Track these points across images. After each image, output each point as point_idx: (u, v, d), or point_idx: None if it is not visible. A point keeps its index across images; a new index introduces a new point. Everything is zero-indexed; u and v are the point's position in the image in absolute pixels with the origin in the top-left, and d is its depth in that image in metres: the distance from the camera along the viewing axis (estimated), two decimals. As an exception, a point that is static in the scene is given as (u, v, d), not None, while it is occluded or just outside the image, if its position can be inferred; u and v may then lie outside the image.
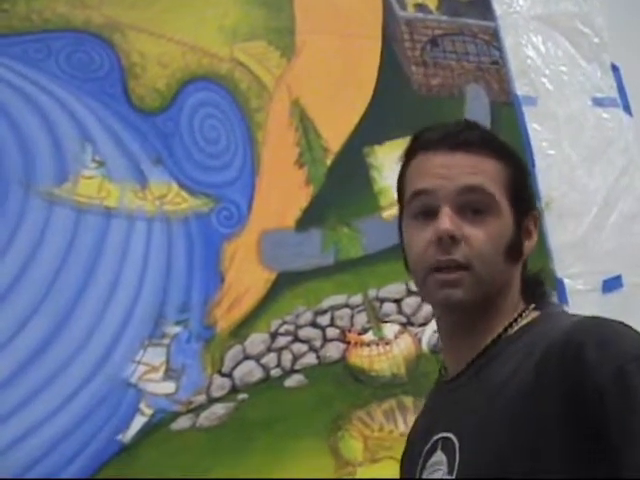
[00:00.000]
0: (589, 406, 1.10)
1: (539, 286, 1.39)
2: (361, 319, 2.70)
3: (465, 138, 1.33)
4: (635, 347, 1.12)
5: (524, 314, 1.32)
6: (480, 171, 1.32)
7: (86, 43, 2.56)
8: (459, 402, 1.31)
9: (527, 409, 1.16)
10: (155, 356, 2.40)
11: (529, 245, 1.34)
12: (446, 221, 1.27)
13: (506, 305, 1.33)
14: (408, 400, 2.65)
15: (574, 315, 1.28)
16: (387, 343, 2.71)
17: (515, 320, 1.31)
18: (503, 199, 1.31)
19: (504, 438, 1.18)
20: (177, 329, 2.44)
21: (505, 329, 1.30)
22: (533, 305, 1.34)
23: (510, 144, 1.39)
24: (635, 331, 1.17)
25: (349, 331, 2.68)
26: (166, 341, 2.42)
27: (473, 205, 1.29)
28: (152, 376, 2.38)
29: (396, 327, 2.74)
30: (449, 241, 1.26)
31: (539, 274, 1.40)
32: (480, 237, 1.28)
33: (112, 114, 2.54)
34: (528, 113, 3.28)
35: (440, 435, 1.28)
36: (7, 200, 2.32)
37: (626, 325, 1.18)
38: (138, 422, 2.34)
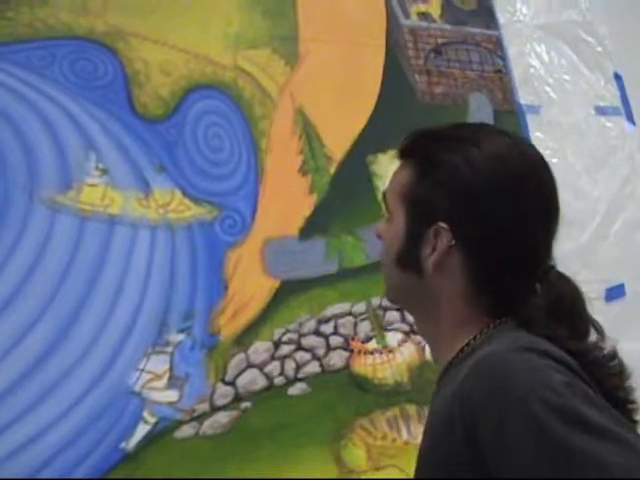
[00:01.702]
0: (479, 456, 1.10)
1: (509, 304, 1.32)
2: (364, 327, 2.70)
3: (398, 148, 1.43)
4: (517, 390, 1.08)
5: (485, 331, 1.30)
6: (392, 179, 1.41)
7: (90, 51, 2.56)
8: (427, 420, 1.35)
9: (442, 447, 1.18)
10: (158, 364, 2.39)
11: (431, 260, 1.30)
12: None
13: (445, 319, 1.33)
14: (411, 408, 2.65)
15: (490, 344, 1.23)
16: (390, 351, 2.71)
17: (474, 338, 1.29)
18: (399, 207, 1.36)
19: (423, 470, 1.25)
20: (180, 337, 2.43)
21: (462, 349, 1.30)
22: (499, 321, 1.30)
23: (444, 147, 1.34)
24: (525, 366, 1.12)
25: (352, 339, 2.67)
26: (169, 349, 2.41)
27: (386, 211, 1.42)
28: (155, 384, 2.38)
29: (399, 335, 2.74)
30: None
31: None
32: (384, 242, 1.41)
33: (116, 122, 2.54)
34: (531, 122, 3.28)
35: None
36: (11, 207, 2.32)
37: (519, 359, 1.14)
38: (141, 430, 2.33)
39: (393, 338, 2.73)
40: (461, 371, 1.20)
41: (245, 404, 2.48)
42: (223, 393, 2.46)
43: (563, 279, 1.34)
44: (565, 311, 1.28)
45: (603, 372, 1.21)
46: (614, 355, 1.26)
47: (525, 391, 1.07)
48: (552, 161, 3.45)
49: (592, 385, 1.14)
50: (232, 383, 2.48)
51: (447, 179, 1.30)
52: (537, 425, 1.04)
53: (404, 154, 1.40)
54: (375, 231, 1.44)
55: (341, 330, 2.66)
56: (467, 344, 1.29)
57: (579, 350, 1.21)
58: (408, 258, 1.33)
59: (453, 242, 1.28)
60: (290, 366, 2.57)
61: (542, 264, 1.33)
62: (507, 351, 1.17)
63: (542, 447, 1.03)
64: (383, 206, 1.43)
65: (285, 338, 2.58)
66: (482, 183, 1.29)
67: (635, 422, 1.24)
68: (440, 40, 3.23)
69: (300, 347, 2.60)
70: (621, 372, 1.26)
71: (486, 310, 1.31)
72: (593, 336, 1.29)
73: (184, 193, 2.56)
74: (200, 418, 2.41)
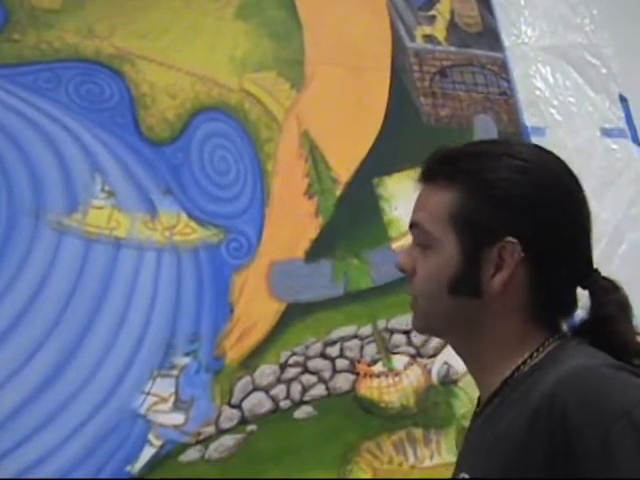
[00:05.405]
0: (575, 471, 1.08)
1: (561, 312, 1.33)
2: (370, 350, 2.69)
3: (424, 170, 1.37)
4: (620, 404, 1.08)
5: (540, 349, 1.28)
6: (424, 205, 1.35)
7: (96, 73, 2.56)
8: (476, 442, 1.33)
9: (518, 465, 1.15)
10: (164, 387, 2.38)
11: (498, 278, 1.27)
12: (400, 255, 1.38)
13: (498, 340, 1.30)
14: (418, 432, 2.63)
15: (569, 359, 1.21)
16: (397, 374, 2.70)
17: (530, 356, 1.27)
18: (446, 233, 1.30)
19: None
20: (186, 360, 2.43)
21: (518, 367, 1.27)
22: (556, 336, 1.30)
23: (493, 165, 1.31)
24: (622, 382, 1.13)
25: (359, 362, 2.67)
26: (175, 372, 2.41)
27: (417, 241, 1.35)
28: (161, 407, 2.37)
29: (406, 358, 2.73)
30: (404, 273, 1.36)
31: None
32: (420, 273, 1.33)
33: (122, 144, 2.53)
34: (537, 144, 3.28)
35: (461, 475, 1.29)
36: (16, 229, 2.32)
37: (615, 375, 1.14)
38: (147, 453, 2.32)
39: (399, 361, 2.72)
40: (534, 387, 1.18)
41: (251, 427, 2.47)
42: (229, 416, 2.45)
43: (609, 281, 1.34)
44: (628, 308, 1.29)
45: None
46: None
47: (630, 406, 1.08)
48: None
49: None
50: (238, 406, 2.47)
51: (506, 195, 1.28)
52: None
53: (436, 177, 1.34)
54: (399, 265, 1.37)
55: (347, 353, 2.66)
56: (524, 362, 1.27)
57: None
58: (465, 282, 1.28)
59: (523, 254, 1.26)
60: (296, 389, 2.56)
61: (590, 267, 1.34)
62: (599, 366, 1.16)
63: None
64: (412, 236, 1.36)
65: (291, 361, 2.58)
66: (540, 192, 1.29)
67: None
68: (445, 62, 3.24)
69: (306, 370, 2.59)
70: None
71: (544, 324, 1.30)
72: None
73: (190, 216, 2.56)
74: (206, 441, 2.40)
